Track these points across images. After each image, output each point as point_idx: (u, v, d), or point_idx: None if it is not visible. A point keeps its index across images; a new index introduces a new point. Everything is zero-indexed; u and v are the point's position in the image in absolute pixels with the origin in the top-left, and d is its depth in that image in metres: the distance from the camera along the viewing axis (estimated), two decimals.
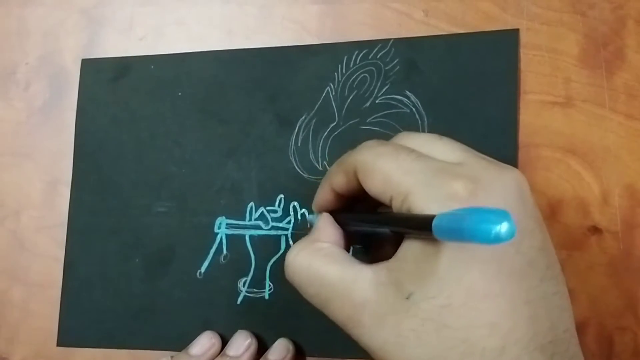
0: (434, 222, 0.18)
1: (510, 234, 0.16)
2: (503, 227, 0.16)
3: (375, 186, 0.23)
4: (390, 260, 0.22)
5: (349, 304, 0.22)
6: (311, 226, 0.35)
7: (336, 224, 0.26)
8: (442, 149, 0.23)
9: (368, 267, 0.23)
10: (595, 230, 0.33)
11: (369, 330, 0.22)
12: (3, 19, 0.42)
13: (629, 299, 0.32)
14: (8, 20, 0.42)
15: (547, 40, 0.34)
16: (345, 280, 0.23)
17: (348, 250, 0.26)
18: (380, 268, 0.22)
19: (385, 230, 0.24)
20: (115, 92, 0.39)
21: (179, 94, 0.38)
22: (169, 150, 0.38)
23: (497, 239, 0.16)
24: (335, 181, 0.26)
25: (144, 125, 0.38)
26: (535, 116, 0.34)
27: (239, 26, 0.39)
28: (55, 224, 0.39)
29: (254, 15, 0.39)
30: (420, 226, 0.20)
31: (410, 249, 0.22)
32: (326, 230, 0.26)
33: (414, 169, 0.22)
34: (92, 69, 0.40)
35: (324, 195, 0.27)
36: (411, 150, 0.23)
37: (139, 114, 0.39)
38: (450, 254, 0.20)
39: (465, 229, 0.17)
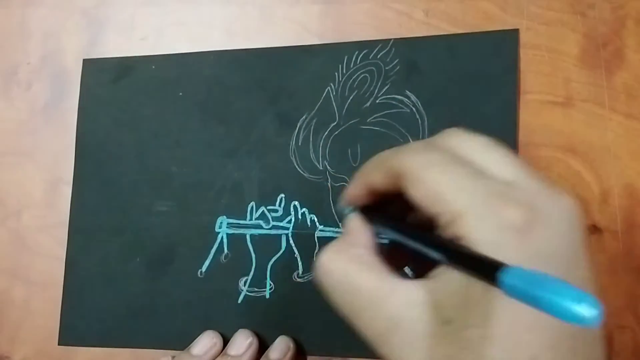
0: (505, 279, 0.17)
1: (597, 320, 0.15)
2: (592, 313, 0.15)
3: (421, 197, 0.22)
4: (431, 280, 0.21)
5: (382, 316, 0.21)
6: (340, 218, 0.35)
7: (369, 226, 0.25)
8: (497, 161, 0.22)
9: (406, 283, 0.22)
10: (595, 229, 0.33)
11: (398, 350, 0.21)
12: (5, 20, 0.42)
13: (628, 298, 0.32)
14: (10, 20, 0.42)
15: (547, 40, 0.35)
16: (383, 291, 0.22)
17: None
18: (420, 287, 0.21)
19: (431, 254, 0.22)
20: (116, 93, 0.39)
21: (180, 94, 0.38)
22: (170, 150, 0.38)
23: (583, 321, 0.15)
24: (373, 180, 0.25)
25: (145, 125, 0.39)
26: (535, 116, 0.34)
27: (240, 26, 0.39)
28: (57, 223, 0.39)
29: (254, 16, 0.39)
30: (483, 272, 0.19)
31: (454, 274, 0.20)
32: (362, 234, 0.25)
33: (467, 188, 0.21)
34: (93, 69, 0.40)
35: (356, 190, 0.26)
36: (464, 163, 0.22)
37: (140, 114, 0.39)
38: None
39: (543, 299, 0.16)
